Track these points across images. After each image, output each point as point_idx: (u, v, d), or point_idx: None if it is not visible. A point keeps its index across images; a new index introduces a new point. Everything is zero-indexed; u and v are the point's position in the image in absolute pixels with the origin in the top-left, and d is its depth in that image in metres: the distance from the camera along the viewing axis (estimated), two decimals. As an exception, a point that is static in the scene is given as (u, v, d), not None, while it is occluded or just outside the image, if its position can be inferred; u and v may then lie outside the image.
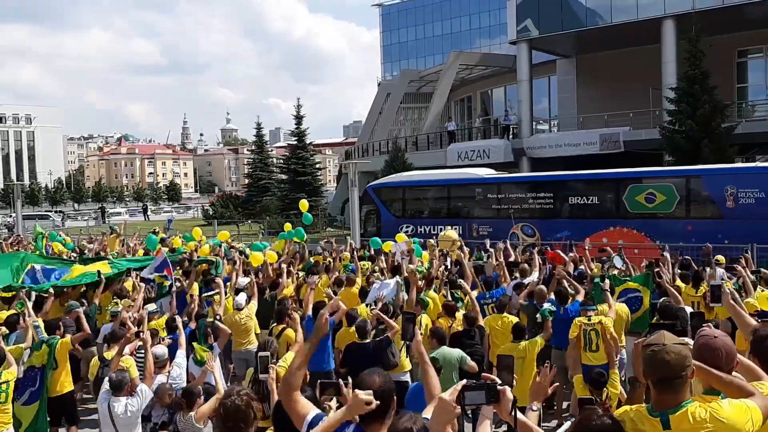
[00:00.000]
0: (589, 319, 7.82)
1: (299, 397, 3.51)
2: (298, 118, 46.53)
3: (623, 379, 8.38)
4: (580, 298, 8.73)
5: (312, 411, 3.46)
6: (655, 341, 3.04)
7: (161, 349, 7.09)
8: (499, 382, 2.94)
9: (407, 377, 8.06)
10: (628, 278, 10.02)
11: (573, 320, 8.12)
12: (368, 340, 7.61)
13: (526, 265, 11.24)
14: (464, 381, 2.99)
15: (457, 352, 7.26)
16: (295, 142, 47.86)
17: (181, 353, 7.18)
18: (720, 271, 10.82)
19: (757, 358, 3.67)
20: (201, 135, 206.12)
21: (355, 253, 13.43)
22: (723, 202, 16.93)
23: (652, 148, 26.37)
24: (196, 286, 10.86)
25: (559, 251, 12.68)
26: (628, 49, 31.29)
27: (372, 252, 15.00)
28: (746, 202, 16.53)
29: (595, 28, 30.47)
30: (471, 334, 8.16)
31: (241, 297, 9.49)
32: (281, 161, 52.73)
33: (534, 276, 10.73)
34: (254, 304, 9.49)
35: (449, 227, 17.48)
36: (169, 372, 6.91)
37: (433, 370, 3.80)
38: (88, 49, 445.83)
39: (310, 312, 8.16)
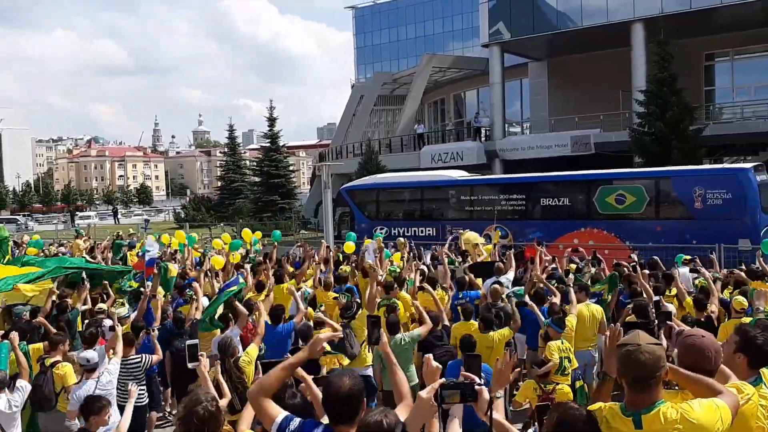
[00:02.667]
0: (562, 343, 7.54)
1: (269, 401, 3.46)
2: (271, 120, 46.29)
3: (594, 376, 8.45)
4: (556, 300, 8.77)
5: (281, 413, 3.42)
6: (631, 341, 3.05)
7: (90, 354, 6.83)
8: (478, 381, 2.93)
9: (369, 371, 8.00)
10: (596, 284, 10.10)
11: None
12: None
13: (501, 264, 11.31)
14: (442, 380, 2.97)
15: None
16: (268, 144, 47.59)
17: (114, 361, 6.91)
18: (683, 270, 11.00)
19: (746, 355, 3.64)
20: (172, 137, 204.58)
21: (330, 255, 13.35)
22: (691, 203, 17.19)
23: (622, 149, 26.71)
24: (161, 289, 10.67)
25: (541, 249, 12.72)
26: (598, 52, 31.68)
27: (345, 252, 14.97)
28: (714, 203, 16.81)
29: (566, 32, 30.80)
30: (438, 335, 8.16)
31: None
32: (254, 163, 52.42)
33: (510, 275, 10.81)
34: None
35: (468, 230, 17.38)
36: (98, 378, 6.61)
37: (400, 371, 3.77)
38: (51, 50, 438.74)
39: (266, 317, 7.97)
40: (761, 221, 16.43)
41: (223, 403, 5.77)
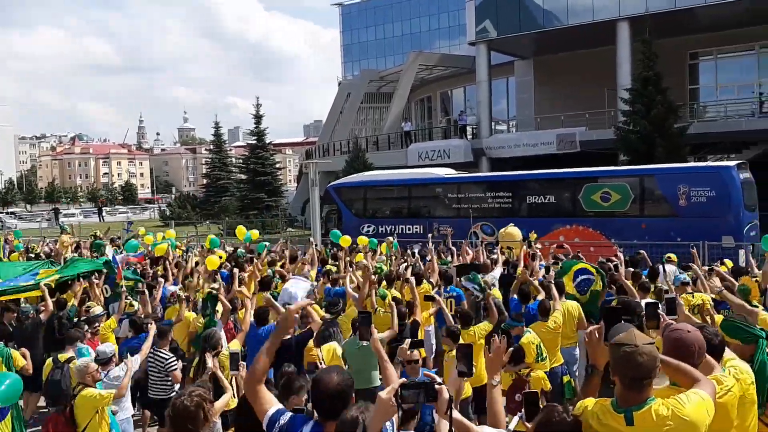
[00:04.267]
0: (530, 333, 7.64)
1: (263, 390, 3.48)
2: (258, 118, 46.14)
3: (576, 373, 8.51)
4: (541, 297, 8.82)
5: (274, 406, 3.43)
6: (627, 341, 3.07)
7: (103, 347, 6.97)
8: (438, 380, 2.94)
9: None
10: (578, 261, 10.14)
11: (534, 318, 8.23)
12: (288, 336, 7.31)
13: (489, 262, 11.36)
14: (402, 379, 2.98)
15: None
16: (254, 142, 47.43)
17: (135, 359, 6.97)
18: (671, 268, 11.07)
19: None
20: (157, 134, 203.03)
21: (316, 254, 13.33)
22: (676, 200, 17.34)
23: (607, 147, 26.87)
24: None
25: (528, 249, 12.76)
26: (584, 50, 31.84)
27: (334, 251, 14.93)
28: (698, 200, 16.96)
29: (551, 30, 30.91)
30: (401, 329, 8.15)
31: None
32: (240, 161, 52.20)
33: (497, 272, 10.86)
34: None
35: (511, 224, 17.34)
36: (107, 372, 6.68)
37: (391, 367, 3.80)
38: (38, 47, 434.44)
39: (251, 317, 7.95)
40: (744, 219, 16.62)
41: (226, 397, 5.81)
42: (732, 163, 17.76)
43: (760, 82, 31.03)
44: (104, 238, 18.75)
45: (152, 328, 7.43)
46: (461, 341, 6.98)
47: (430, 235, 16.49)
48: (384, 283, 9.89)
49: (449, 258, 13.55)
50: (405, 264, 11.69)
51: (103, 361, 6.71)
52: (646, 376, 3.03)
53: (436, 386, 2.87)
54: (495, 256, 12.38)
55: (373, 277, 9.38)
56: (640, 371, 3.01)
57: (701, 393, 3.13)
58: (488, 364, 3.57)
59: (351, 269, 10.65)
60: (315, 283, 10.03)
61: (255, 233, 15.54)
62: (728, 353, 3.96)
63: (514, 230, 16.64)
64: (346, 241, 14.36)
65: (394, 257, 13.95)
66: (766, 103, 29.94)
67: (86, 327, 8.31)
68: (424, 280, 10.31)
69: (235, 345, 6.93)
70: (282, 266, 12.04)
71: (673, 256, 12.15)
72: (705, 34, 29.96)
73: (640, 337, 3.08)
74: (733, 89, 31.82)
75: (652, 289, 9.02)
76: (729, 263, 11.12)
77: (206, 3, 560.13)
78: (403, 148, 36.99)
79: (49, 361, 7.53)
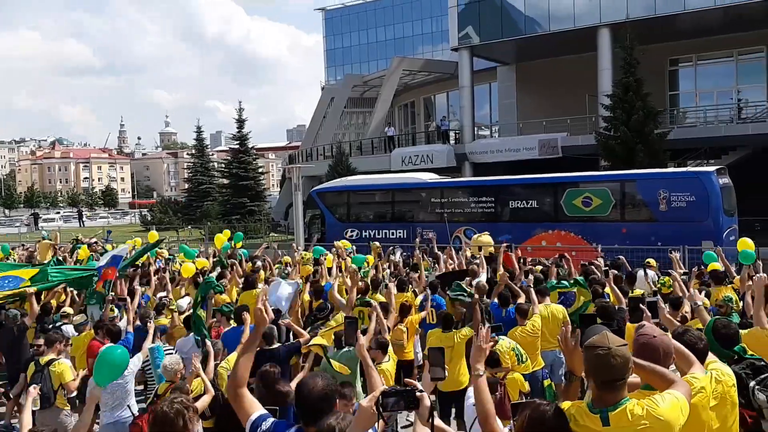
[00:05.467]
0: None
1: (246, 394, 3.47)
2: (240, 122, 45.97)
3: (563, 378, 8.54)
4: (521, 300, 8.85)
5: (257, 411, 3.42)
6: (600, 343, 3.11)
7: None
8: (419, 388, 2.94)
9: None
10: (562, 284, 10.18)
11: (513, 322, 8.25)
12: (277, 345, 7.20)
13: (475, 267, 11.38)
14: (383, 387, 2.99)
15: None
16: (237, 146, 47.23)
17: (138, 356, 6.85)
18: (650, 273, 11.17)
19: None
20: (139, 138, 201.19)
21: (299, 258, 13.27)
22: (656, 205, 17.51)
23: (588, 153, 27.09)
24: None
25: (511, 254, 12.79)
26: (565, 56, 32.12)
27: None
28: (678, 205, 17.14)
29: (533, 36, 31.16)
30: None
31: (183, 301, 9.36)
32: (222, 165, 51.94)
33: (483, 277, 10.89)
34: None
35: (485, 232, 17.29)
36: None
37: (376, 374, 3.80)
38: (16, 49, 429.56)
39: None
40: (723, 223, 16.81)
41: (207, 399, 5.74)
42: (711, 169, 17.98)
43: (738, 88, 31.50)
44: (85, 241, 18.54)
45: (151, 326, 7.48)
46: (435, 345, 6.94)
47: (417, 240, 16.50)
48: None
49: (434, 265, 13.53)
50: (389, 271, 11.69)
51: None
52: (619, 378, 3.07)
53: (417, 394, 2.87)
54: (478, 261, 12.40)
55: (360, 283, 9.37)
56: (613, 373, 3.05)
57: (676, 393, 3.19)
58: (473, 352, 3.62)
59: (340, 275, 10.61)
60: (299, 281, 9.94)
61: (239, 242, 15.44)
62: (710, 356, 4.01)
63: (485, 238, 16.63)
64: (370, 259, 13.99)
65: (378, 262, 13.92)
66: (744, 109, 30.40)
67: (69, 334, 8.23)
68: (409, 290, 10.27)
69: (232, 356, 6.82)
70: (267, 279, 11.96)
71: (653, 261, 12.27)
72: (684, 41, 30.37)
73: (614, 340, 3.11)
74: (712, 95, 32.22)
75: (630, 293, 9.10)
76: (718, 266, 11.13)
77: (188, 5, 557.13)
78: (386, 152, 37.05)
79: (32, 364, 7.48)
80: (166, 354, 6.83)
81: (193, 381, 6.03)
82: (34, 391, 5.46)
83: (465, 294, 8.97)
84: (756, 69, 30.91)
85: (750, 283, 7.75)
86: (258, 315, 3.59)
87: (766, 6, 25.47)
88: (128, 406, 6.48)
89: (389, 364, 6.96)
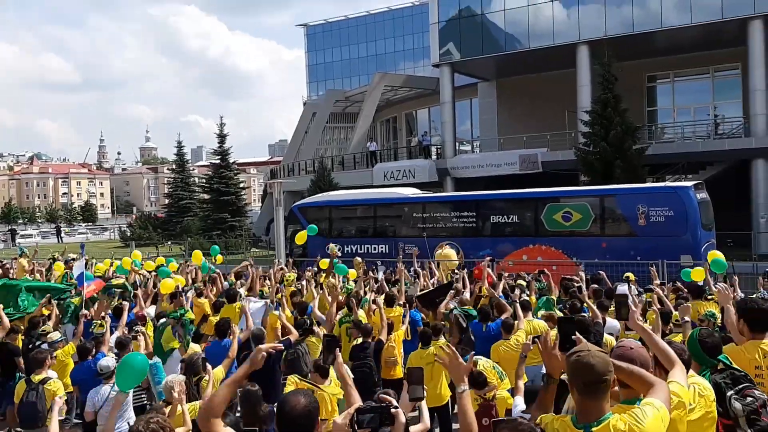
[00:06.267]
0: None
1: (219, 424, 3.40)
2: (221, 137, 45.76)
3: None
4: (505, 316, 8.86)
5: None
6: (580, 348, 3.16)
7: (106, 362, 6.99)
8: (395, 404, 2.92)
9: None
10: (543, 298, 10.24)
11: (495, 337, 8.25)
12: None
13: (459, 285, 11.39)
14: (358, 404, 2.97)
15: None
16: (218, 161, 47.00)
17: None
18: (629, 287, 11.22)
19: (746, 322, 4.89)
20: (118, 153, 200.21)
21: (282, 271, 13.23)
22: (635, 220, 17.65)
23: (568, 168, 27.33)
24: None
25: (488, 268, 12.80)
26: (545, 73, 32.49)
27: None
28: (657, 220, 17.30)
29: (513, 53, 31.50)
30: (364, 346, 8.25)
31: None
32: (203, 180, 51.63)
33: (467, 294, 10.93)
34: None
35: (447, 244, 17.28)
36: (113, 384, 6.62)
37: (355, 391, 3.77)
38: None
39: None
40: (702, 238, 16.99)
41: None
42: (689, 184, 18.18)
43: (715, 104, 32.03)
44: (62, 258, 18.30)
45: (141, 339, 7.53)
46: (415, 364, 6.92)
47: (400, 255, 16.48)
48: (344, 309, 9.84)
49: (415, 280, 13.52)
50: (376, 287, 11.68)
51: (107, 375, 6.80)
52: (599, 380, 3.05)
53: (392, 410, 2.85)
54: (458, 276, 12.41)
55: (340, 298, 9.35)
56: (593, 372, 3.04)
57: (656, 403, 3.17)
58: (452, 369, 3.51)
59: (321, 291, 10.55)
60: (270, 303, 9.90)
61: (219, 257, 15.40)
62: (690, 371, 4.04)
63: (449, 251, 16.72)
64: (353, 274, 13.89)
65: (361, 278, 13.88)
66: (721, 124, 30.88)
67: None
68: (396, 305, 10.27)
69: (220, 372, 6.74)
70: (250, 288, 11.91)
71: (632, 276, 12.37)
72: (662, 58, 30.86)
73: (593, 347, 3.15)
74: (690, 111, 32.75)
75: (611, 308, 9.14)
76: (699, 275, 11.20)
77: (168, 20, 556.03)
78: (368, 167, 37.12)
79: (22, 382, 7.40)
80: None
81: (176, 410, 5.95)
82: (60, 401, 5.42)
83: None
84: (732, 85, 31.43)
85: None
86: (257, 359, 3.53)
87: (741, 24, 26.00)
88: (128, 421, 6.45)
89: (330, 387, 6.84)
